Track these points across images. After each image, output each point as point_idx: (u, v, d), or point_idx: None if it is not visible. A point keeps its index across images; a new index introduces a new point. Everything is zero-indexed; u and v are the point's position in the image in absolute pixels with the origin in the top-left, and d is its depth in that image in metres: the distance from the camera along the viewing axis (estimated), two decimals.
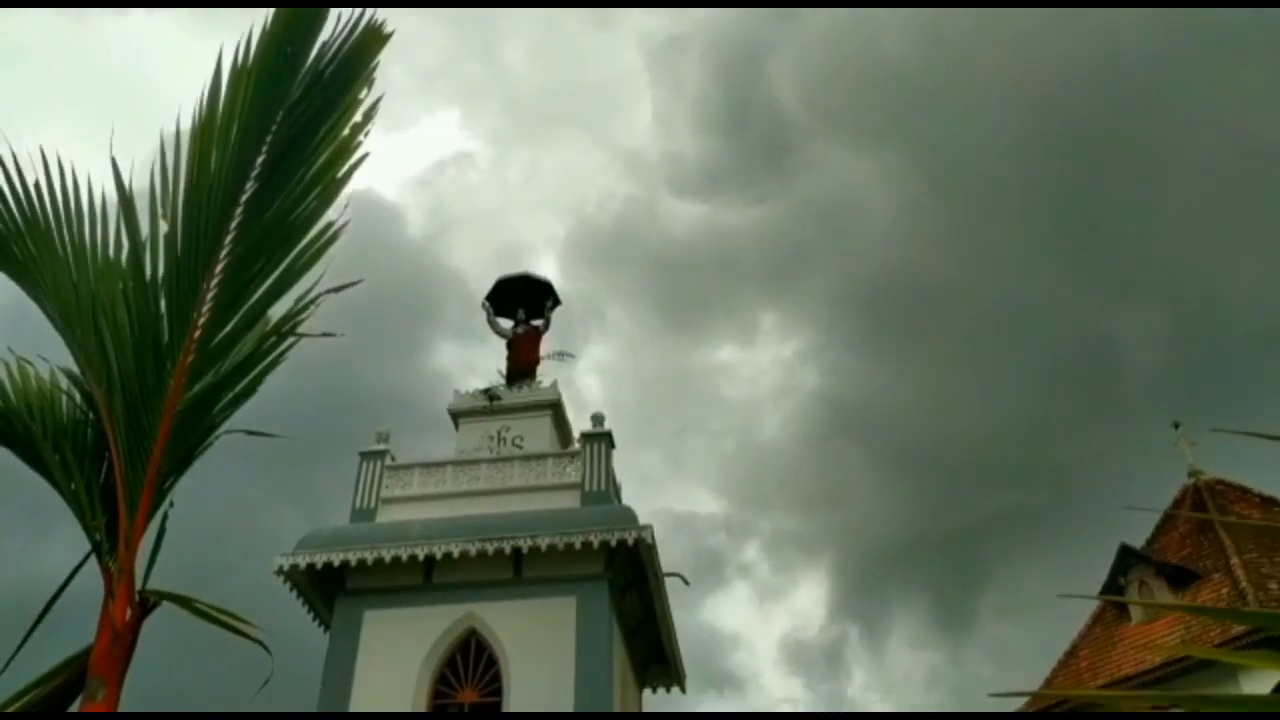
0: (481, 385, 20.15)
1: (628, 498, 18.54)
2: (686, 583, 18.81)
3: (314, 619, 17.46)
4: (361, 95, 4.35)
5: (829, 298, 70.18)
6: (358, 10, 4.38)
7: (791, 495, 71.57)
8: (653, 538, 16.39)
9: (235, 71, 4.12)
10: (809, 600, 76.31)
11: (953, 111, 60.62)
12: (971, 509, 65.01)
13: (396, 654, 16.07)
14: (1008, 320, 63.09)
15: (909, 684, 72.61)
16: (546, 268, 71.81)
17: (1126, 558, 21.12)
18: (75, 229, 3.98)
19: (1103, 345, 59.57)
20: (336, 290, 4.35)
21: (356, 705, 15.62)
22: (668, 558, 17.61)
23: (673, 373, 74.13)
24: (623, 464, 18.49)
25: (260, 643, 3.62)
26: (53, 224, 3.95)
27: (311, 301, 4.25)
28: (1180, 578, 20.38)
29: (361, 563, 16.35)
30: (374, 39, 4.40)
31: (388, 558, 16.32)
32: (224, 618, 3.61)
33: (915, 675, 72.36)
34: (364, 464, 18.25)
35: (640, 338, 74.61)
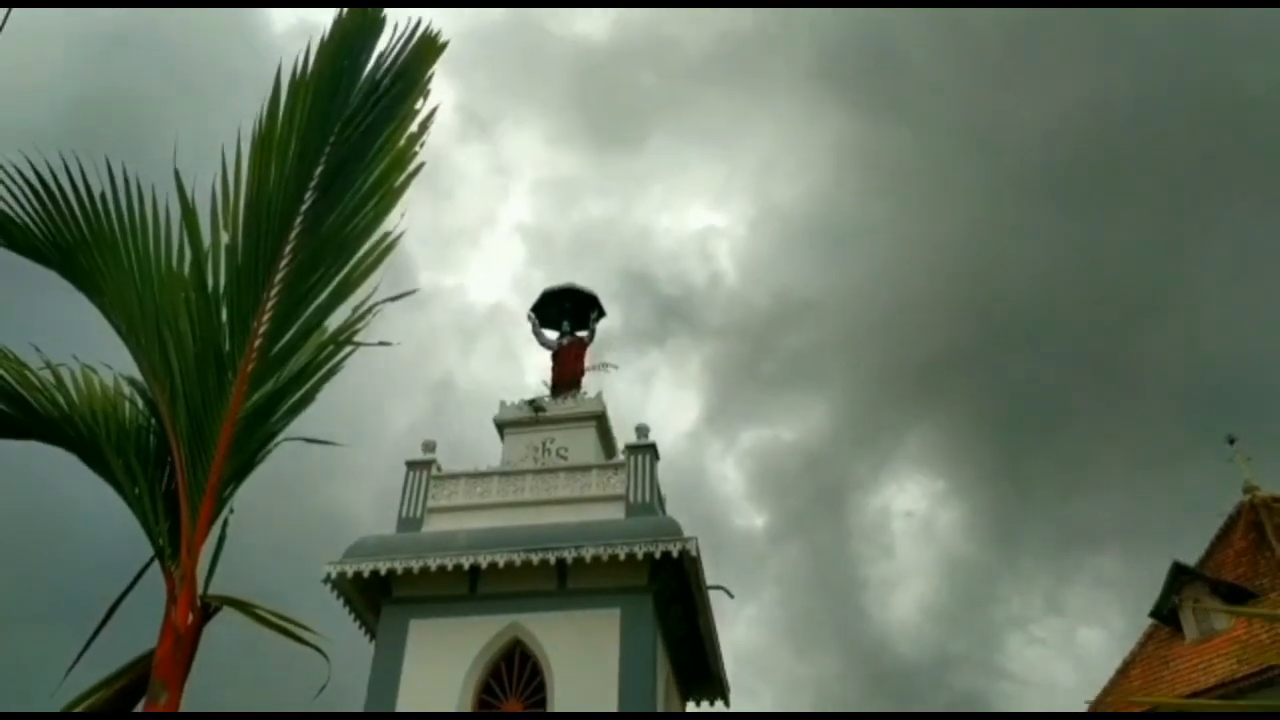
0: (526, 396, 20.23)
1: None
2: (731, 595, 18.74)
3: (360, 627, 17.60)
4: (417, 106, 4.40)
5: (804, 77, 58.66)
6: (413, 20, 4.44)
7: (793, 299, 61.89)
8: (697, 550, 16.35)
9: (294, 83, 4.18)
10: (807, 420, 65.43)
11: None
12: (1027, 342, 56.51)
13: (441, 663, 16.15)
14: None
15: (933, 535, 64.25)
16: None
17: (1180, 575, 20.73)
18: (139, 240, 4.05)
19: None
20: (393, 299, 4.40)
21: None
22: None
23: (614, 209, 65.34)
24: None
25: (319, 649, 3.66)
26: (118, 235, 4.02)
27: (369, 310, 4.29)
28: (1235, 596, 19.96)
29: (408, 571, 16.47)
30: (429, 49, 4.45)
31: (433, 567, 16.42)
32: (284, 623, 3.65)
33: (945, 528, 63.77)
34: (410, 474, 18.39)
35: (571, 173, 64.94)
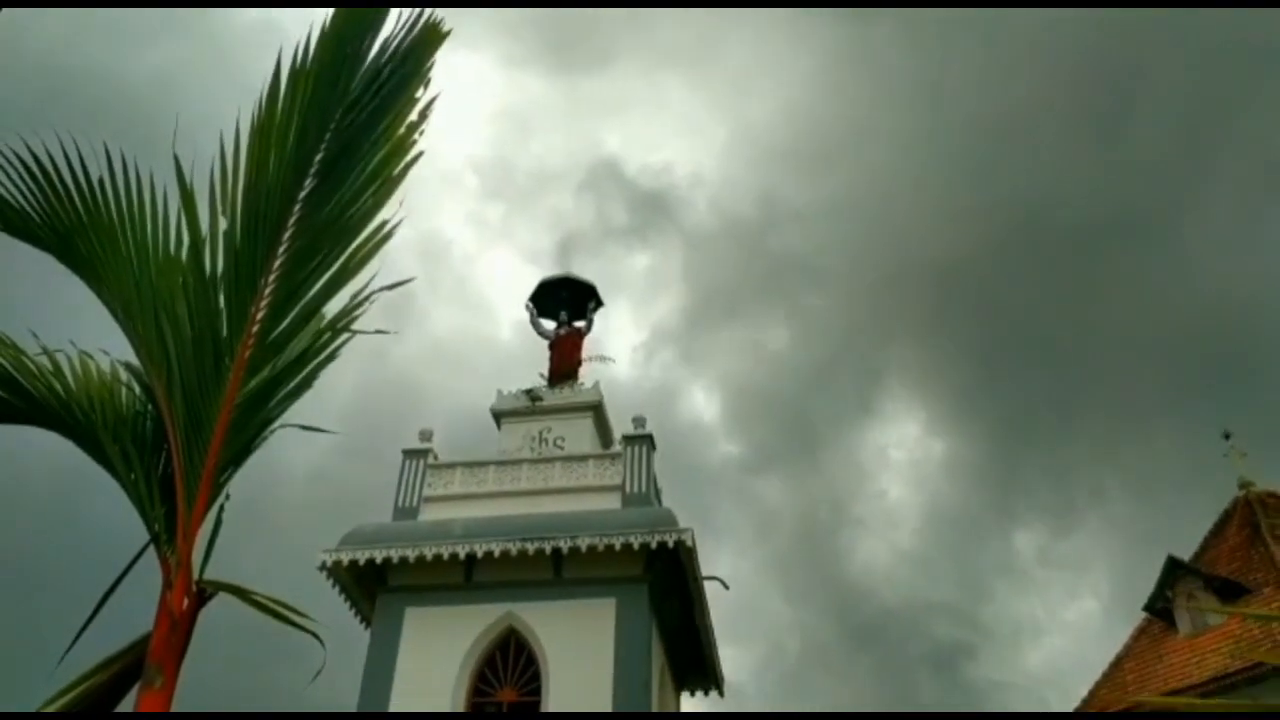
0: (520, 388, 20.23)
1: None
2: (726, 587, 18.79)
3: (355, 615, 17.64)
4: (418, 94, 4.39)
5: None
6: (416, 9, 4.43)
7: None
8: (693, 541, 16.37)
9: (294, 71, 4.16)
10: (788, 340, 60.27)
11: None
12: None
13: (437, 652, 16.18)
14: None
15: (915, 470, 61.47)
16: None
17: (1174, 570, 20.79)
18: (138, 225, 4.04)
19: None
20: (390, 288, 4.39)
21: (397, 702, 15.75)
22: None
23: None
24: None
25: (315, 634, 3.67)
26: (116, 220, 4.01)
27: (366, 298, 4.29)
28: (1229, 591, 20.02)
29: (403, 560, 16.49)
30: (432, 37, 4.43)
31: (429, 556, 16.44)
32: (279, 609, 3.66)
33: (932, 461, 60.54)
34: (406, 462, 18.42)
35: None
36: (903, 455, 62.90)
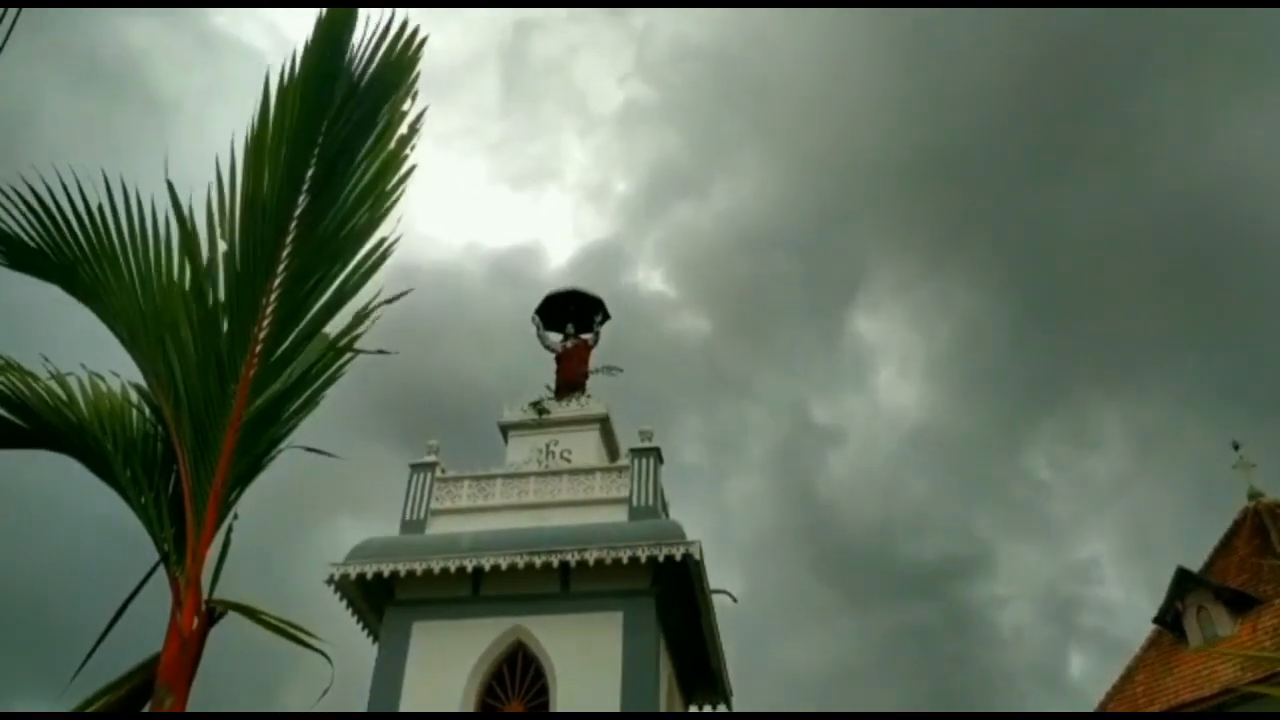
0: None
1: None
2: (734, 600, 18.77)
3: (363, 628, 17.66)
4: (405, 108, 4.40)
5: None
6: (387, 12, 4.39)
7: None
8: (700, 553, 16.38)
9: (282, 88, 4.18)
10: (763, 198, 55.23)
11: None
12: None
13: (444, 665, 16.20)
14: None
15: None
16: None
17: (1184, 582, 20.71)
18: (140, 250, 4.06)
19: None
20: (390, 301, 4.40)
21: None
22: None
23: None
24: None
25: (324, 654, 3.69)
26: (118, 247, 4.04)
27: (367, 316, 4.31)
28: (1239, 603, 19.94)
29: (411, 573, 16.52)
30: (407, 46, 4.39)
31: (437, 569, 16.48)
32: (288, 628, 3.68)
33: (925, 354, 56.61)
34: (414, 476, 18.46)
35: None
36: (891, 346, 58.74)
